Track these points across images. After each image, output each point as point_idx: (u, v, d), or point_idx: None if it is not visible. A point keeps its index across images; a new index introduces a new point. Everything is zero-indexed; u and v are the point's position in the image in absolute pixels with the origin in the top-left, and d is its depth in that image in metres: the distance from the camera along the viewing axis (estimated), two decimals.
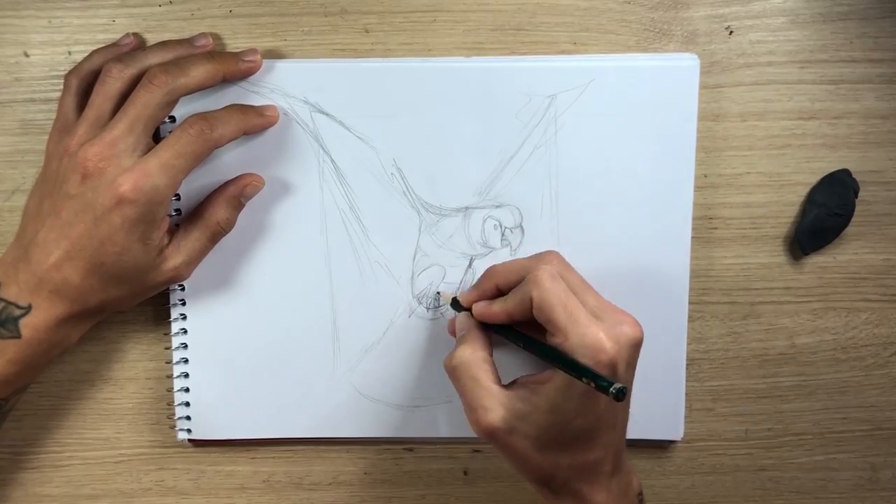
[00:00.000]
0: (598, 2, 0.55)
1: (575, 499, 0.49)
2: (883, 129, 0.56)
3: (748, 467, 0.60)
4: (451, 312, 0.56)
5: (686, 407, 0.58)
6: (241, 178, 0.54)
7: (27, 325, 0.49)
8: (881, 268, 0.57)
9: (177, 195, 0.54)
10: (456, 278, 0.56)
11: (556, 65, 0.54)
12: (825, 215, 0.55)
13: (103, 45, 0.54)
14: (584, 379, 0.44)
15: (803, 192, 0.56)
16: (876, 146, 0.56)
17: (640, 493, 0.52)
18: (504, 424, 0.47)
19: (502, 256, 0.55)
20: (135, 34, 0.54)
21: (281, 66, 0.54)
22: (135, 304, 0.53)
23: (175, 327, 0.56)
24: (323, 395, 0.57)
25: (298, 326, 0.56)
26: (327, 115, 0.54)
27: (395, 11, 0.55)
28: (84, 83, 0.52)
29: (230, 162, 0.54)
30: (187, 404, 0.57)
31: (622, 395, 0.42)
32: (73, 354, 0.57)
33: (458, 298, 0.54)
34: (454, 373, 0.50)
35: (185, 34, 0.54)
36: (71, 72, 0.52)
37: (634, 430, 0.51)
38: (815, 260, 0.57)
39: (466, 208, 0.55)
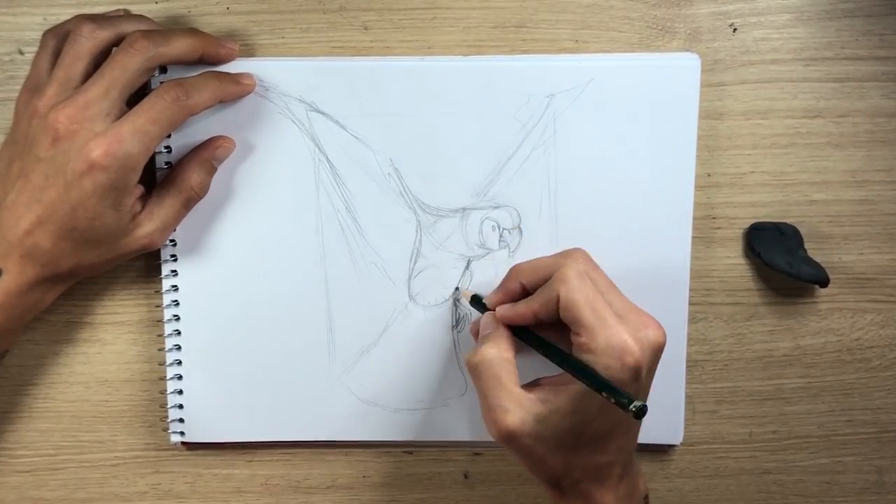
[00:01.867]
0: None
1: (583, 499, 0.49)
2: (889, 127, 0.56)
3: (752, 470, 0.59)
4: (466, 312, 0.56)
5: (689, 409, 0.58)
6: (212, 141, 0.53)
7: None
8: (887, 268, 0.57)
9: (168, 162, 0.54)
10: (453, 280, 0.56)
11: (555, 64, 0.54)
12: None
13: None
14: (603, 393, 0.44)
15: (808, 191, 0.56)
16: (882, 145, 0.56)
17: (646, 497, 0.52)
18: (523, 427, 0.47)
19: (500, 258, 0.55)
20: (125, 10, 0.53)
21: (276, 64, 0.54)
22: (108, 269, 0.53)
23: (168, 328, 0.56)
24: (318, 397, 0.57)
25: (293, 328, 0.56)
26: (323, 114, 0.54)
27: (394, 9, 0.55)
28: (62, 44, 0.51)
29: (226, 161, 0.54)
30: (181, 406, 0.57)
31: (642, 413, 0.42)
32: (68, 356, 0.57)
33: (480, 297, 0.54)
34: (476, 370, 0.49)
35: None
36: (49, 30, 0.52)
37: None
38: (820, 260, 0.56)
39: (464, 209, 0.55)
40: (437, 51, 0.55)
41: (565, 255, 0.51)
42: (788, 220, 0.56)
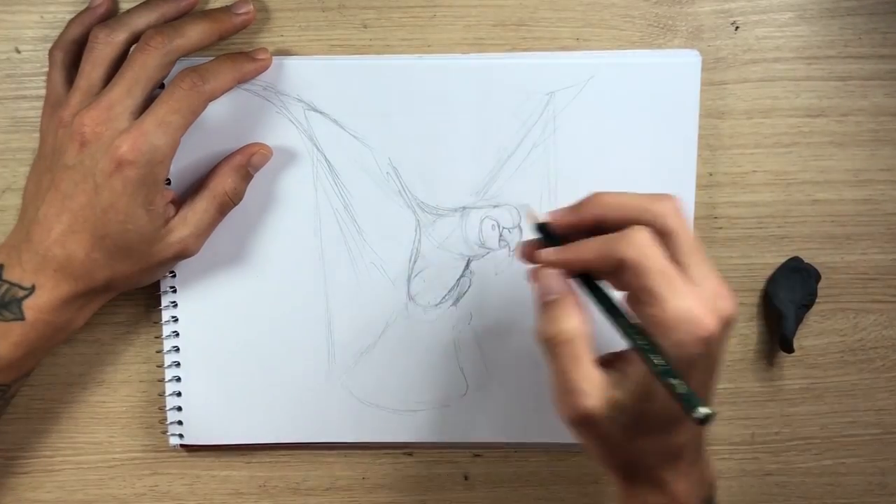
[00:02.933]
0: None
1: (654, 486, 0.46)
2: (892, 126, 0.56)
3: (754, 472, 0.60)
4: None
5: None
6: (248, 147, 0.54)
7: (31, 307, 0.49)
8: (890, 268, 0.57)
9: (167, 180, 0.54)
10: (453, 280, 0.56)
11: (555, 62, 0.54)
12: (797, 308, 0.56)
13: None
14: (672, 392, 0.41)
15: (811, 191, 0.56)
16: (885, 144, 0.56)
17: (714, 485, 0.49)
18: (601, 412, 0.44)
19: (501, 257, 0.56)
20: None
21: (273, 62, 0.54)
22: (143, 282, 0.53)
23: (167, 330, 0.56)
24: (317, 398, 0.57)
25: (292, 329, 0.56)
26: (321, 113, 0.55)
27: (393, 7, 0.55)
28: (69, 55, 0.52)
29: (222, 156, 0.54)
30: (179, 409, 0.57)
31: (708, 422, 0.40)
32: (66, 357, 0.57)
33: (546, 226, 0.47)
34: (554, 344, 0.45)
35: None
36: (54, 46, 0.52)
37: None
38: (823, 260, 0.57)
39: (464, 208, 0.56)
40: (437, 49, 0.55)
41: (654, 199, 0.45)
42: (789, 220, 0.56)
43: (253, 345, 0.57)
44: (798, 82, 0.55)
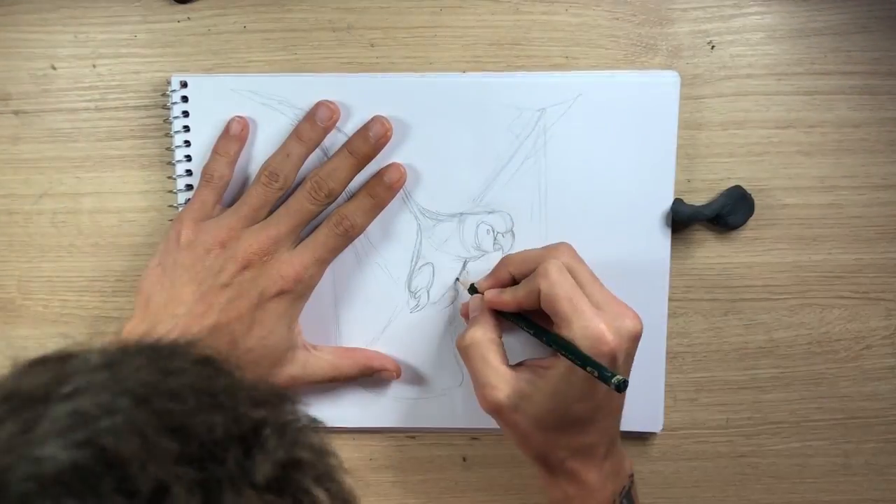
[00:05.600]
0: (589, 18, 0.56)
1: (569, 476, 0.51)
2: (855, 137, 0.57)
3: (729, 454, 0.61)
4: (464, 299, 0.58)
5: (670, 397, 0.59)
6: (386, 362, 0.58)
7: None
8: (853, 267, 0.59)
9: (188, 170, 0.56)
10: (452, 279, 0.58)
11: (546, 80, 0.55)
12: (722, 214, 0.57)
13: (124, 56, 0.56)
14: (587, 368, 0.46)
15: (781, 196, 0.57)
16: (849, 153, 0.57)
17: (631, 475, 0.54)
18: (509, 402, 0.49)
19: (495, 259, 0.56)
20: (239, 117, 0.55)
21: (287, 79, 0.55)
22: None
23: None
24: (326, 387, 0.58)
25: (303, 324, 0.57)
26: None
27: (398, 27, 0.56)
28: (227, 182, 0.55)
29: (242, 171, 0.56)
30: None
31: (623, 387, 0.44)
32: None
33: (475, 285, 0.55)
34: (465, 352, 0.52)
35: (202, 48, 0.56)
36: (210, 168, 0.55)
37: None
38: (792, 259, 0.58)
39: (461, 214, 0.57)
40: (438, 66, 0.56)
41: (551, 248, 0.53)
42: (762, 224, 0.58)
43: None
44: (769, 96, 0.57)
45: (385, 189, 0.55)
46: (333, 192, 0.53)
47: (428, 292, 0.58)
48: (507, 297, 0.52)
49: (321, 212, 0.54)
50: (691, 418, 0.61)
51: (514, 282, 0.54)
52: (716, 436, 0.61)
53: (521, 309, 0.52)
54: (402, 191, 0.57)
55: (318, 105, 0.55)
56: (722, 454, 0.61)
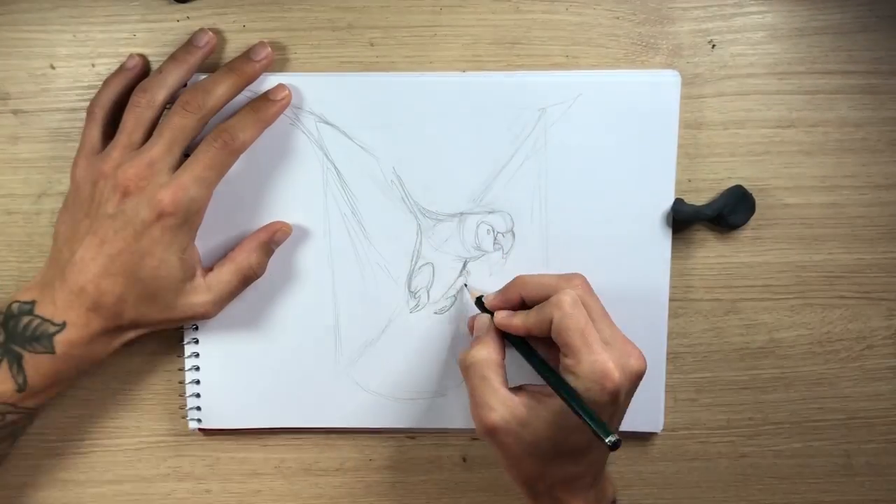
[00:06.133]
0: (589, 17, 0.56)
1: (554, 502, 0.51)
2: (856, 136, 0.57)
3: (729, 454, 0.61)
4: (467, 309, 0.58)
5: (671, 398, 0.59)
6: (272, 225, 0.56)
7: (61, 342, 0.51)
8: (854, 267, 0.58)
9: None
10: (451, 279, 0.57)
11: (546, 80, 0.55)
12: (723, 213, 0.56)
13: (123, 56, 0.56)
14: (585, 420, 0.45)
15: (782, 196, 0.57)
16: (850, 152, 0.57)
17: (615, 501, 0.54)
18: (504, 426, 0.49)
19: (494, 259, 0.57)
20: (139, 54, 0.56)
21: (288, 79, 0.55)
22: (160, 328, 0.54)
23: (187, 326, 0.58)
24: (326, 387, 0.58)
25: (303, 323, 0.58)
26: (331, 125, 0.56)
27: (398, 26, 0.56)
28: (108, 113, 0.54)
29: (242, 170, 0.56)
30: (198, 395, 0.58)
31: (617, 446, 0.44)
32: None
33: (482, 299, 0.55)
34: (467, 370, 0.51)
35: None
36: (93, 103, 0.54)
37: None
38: (793, 259, 0.58)
39: (461, 214, 0.57)
40: (438, 66, 0.56)
41: (566, 279, 0.52)
42: (763, 224, 0.58)
43: (266, 337, 0.58)
44: (770, 96, 0.56)
45: (269, 103, 0.54)
46: (206, 105, 0.52)
47: (428, 292, 0.58)
48: (517, 321, 0.52)
49: (200, 129, 0.53)
50: (692, 418, 0.61)
51: (523, 302, 0.54)
52: (716, 436, 0.61)
53: (529, 334, 0.52)
54: (402, 190, 0.56)
55: (197, 31, 0.55)
56: (723, 454, 0.61)
